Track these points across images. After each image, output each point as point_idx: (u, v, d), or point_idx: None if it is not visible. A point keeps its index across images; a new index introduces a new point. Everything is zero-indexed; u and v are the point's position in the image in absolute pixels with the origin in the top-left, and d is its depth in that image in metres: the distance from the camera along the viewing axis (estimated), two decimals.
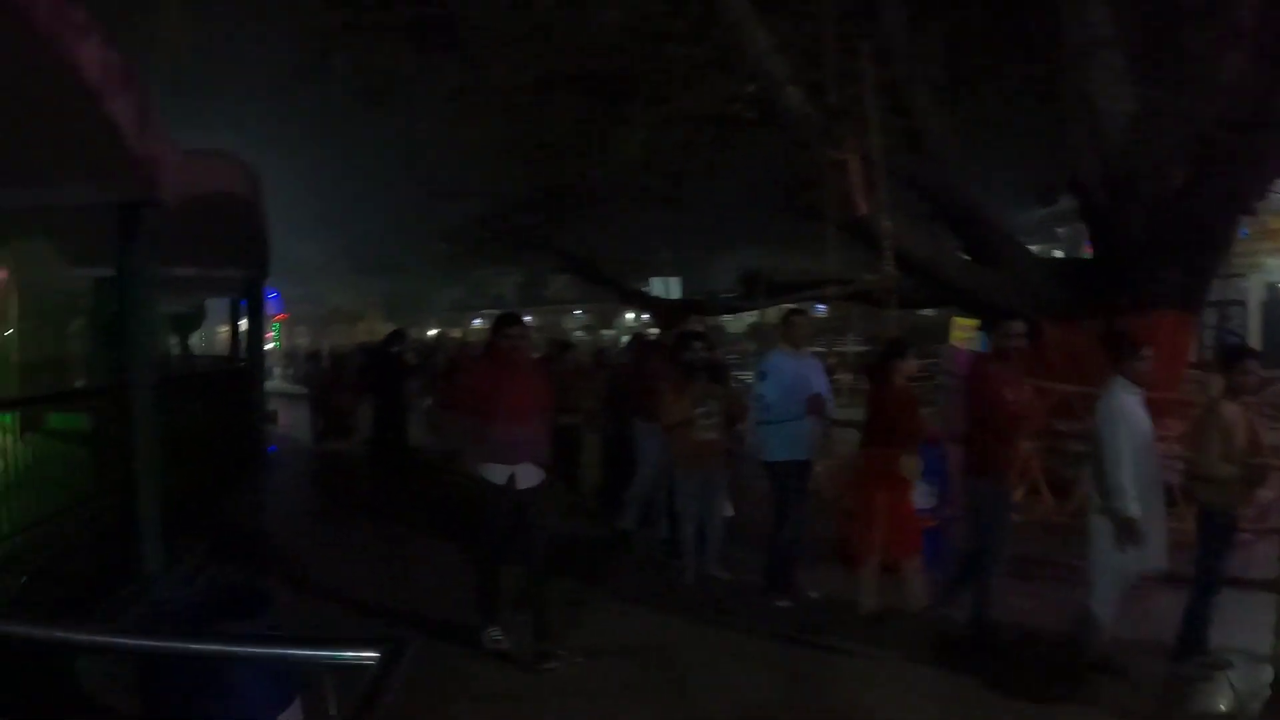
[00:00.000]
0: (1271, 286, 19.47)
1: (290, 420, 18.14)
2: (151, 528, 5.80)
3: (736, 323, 34.79)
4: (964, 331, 8.49)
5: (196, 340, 23.26)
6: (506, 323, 5.33)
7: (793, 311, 6.74)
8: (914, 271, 9.32)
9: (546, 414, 5.36)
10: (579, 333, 42.95)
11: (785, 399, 5.84)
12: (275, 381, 30.85)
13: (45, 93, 4.54)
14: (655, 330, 17.10)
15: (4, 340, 10.56)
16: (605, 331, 41.93)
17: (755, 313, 26.60)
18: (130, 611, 5.31)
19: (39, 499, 5.44)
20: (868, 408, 5.90)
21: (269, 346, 37.85)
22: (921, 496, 6.06)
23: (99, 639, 1.46)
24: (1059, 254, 21.27)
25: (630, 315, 45.03)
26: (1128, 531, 4.46)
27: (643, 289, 24.64)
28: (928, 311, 16.32)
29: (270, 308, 41.87)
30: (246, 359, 12.74)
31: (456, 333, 41.93)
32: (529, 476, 5.12)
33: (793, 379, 5.92)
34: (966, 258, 9.94)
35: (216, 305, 19.72)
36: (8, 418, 7.53)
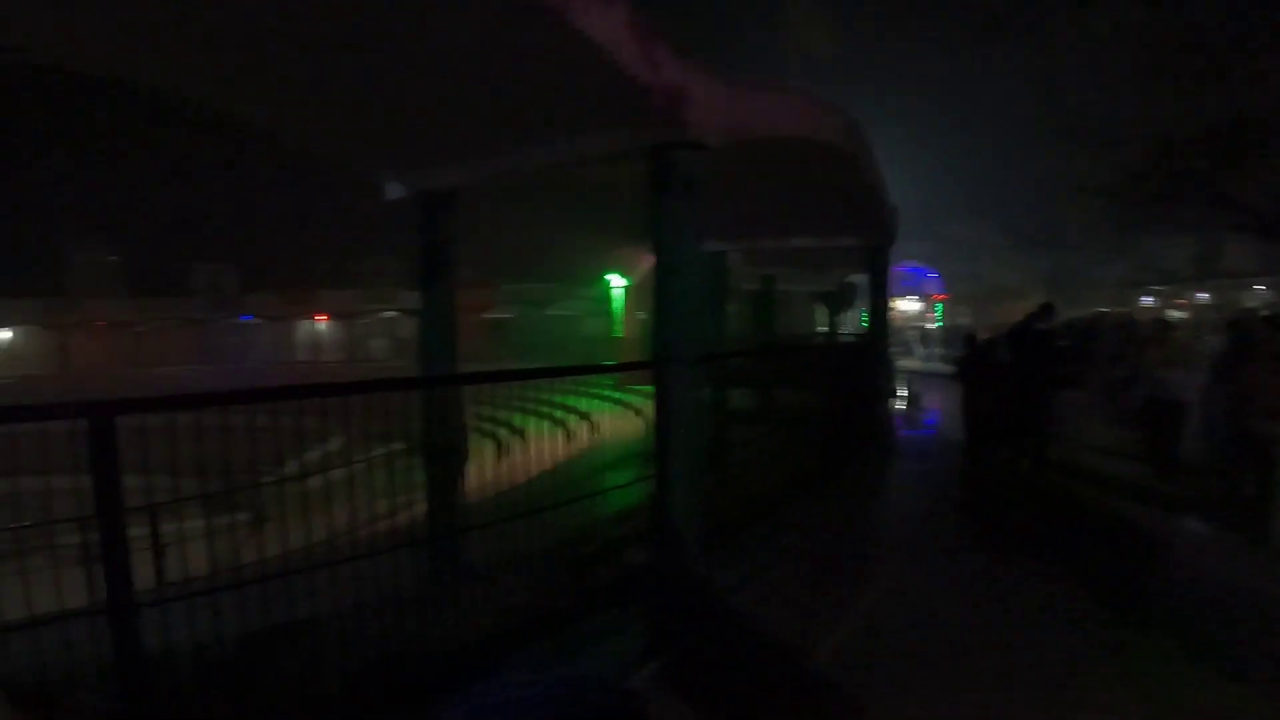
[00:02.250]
0: None
1: (946, 406, 16.63)
2: (678, 527, 4.91)
3: None
4: None
5: (849, 319, 23.26)
6: None
7: None
8: None
9: None
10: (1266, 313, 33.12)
11: None
12: (934, 363, 29.91)
13: (531, 29, 3.86)
14: None
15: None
16: None
17: None
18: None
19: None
20: None
21: (931, 326, 37.35)
22: None
23: None
24: None
25: None
26: None
27: None
28: None
29: (933, 287, 41.52)
30: (868, 336, 11.65)
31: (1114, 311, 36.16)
32: None
33: None
34: None
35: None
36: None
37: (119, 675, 2.56)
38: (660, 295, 5.09)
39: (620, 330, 23.99)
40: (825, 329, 20.72)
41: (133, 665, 2.59)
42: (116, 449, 2.57)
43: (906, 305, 41.00)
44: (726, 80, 5.24)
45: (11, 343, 44.69)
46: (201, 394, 2.75)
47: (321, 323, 48.20)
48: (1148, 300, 42.12)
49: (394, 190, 5.92)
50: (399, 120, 4.95)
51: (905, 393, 16.22)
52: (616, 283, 24.06)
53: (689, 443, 4.99)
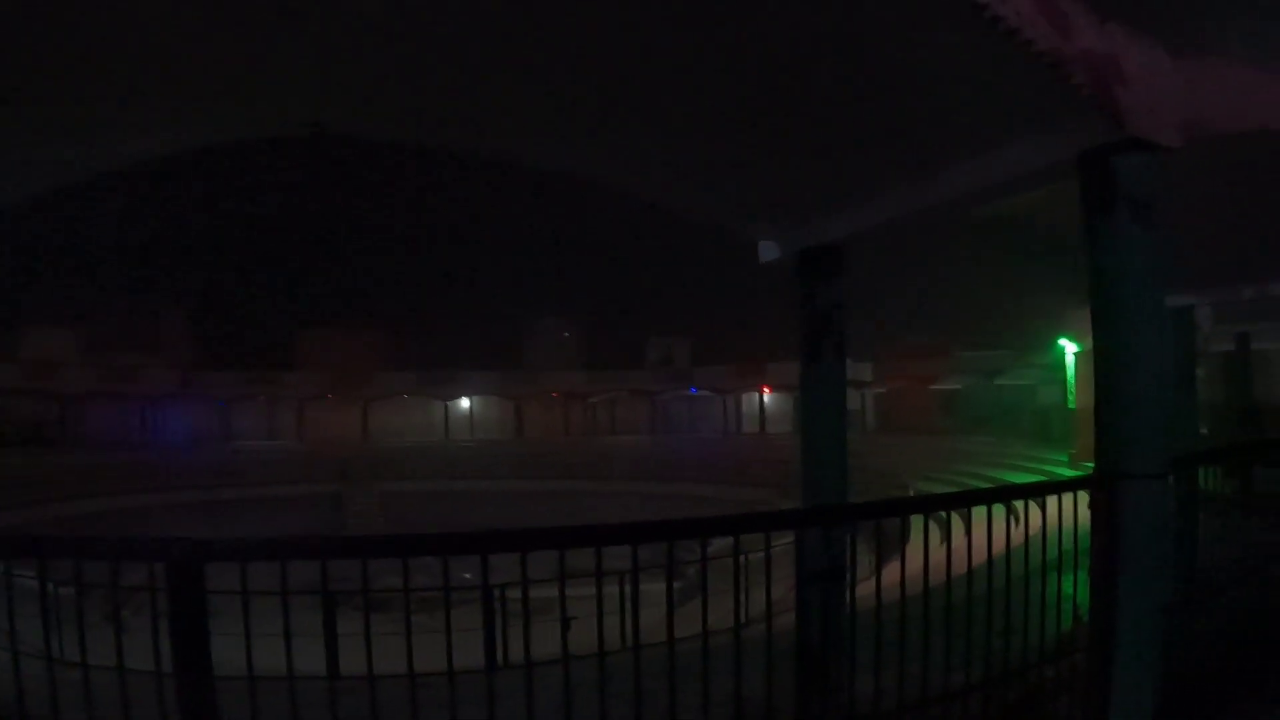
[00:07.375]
0: None
1: None
2: None
3: None
4: None
5: None
6: None
7: None
8: None
9: None
10: None
11: None
12: None
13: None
14: None
15: None
16: None
17: None
18: None
19: None
20: None
21: None
22: None
23: None
24: None
25: None
26: None
27: None
28: None
29: None
30: None
31: None
32: None
33: None
34: None
35: None
36: None
37: None
38: (1104, 376, 3.47)
39: (1074, 401, 22.42)
40: None
41: None
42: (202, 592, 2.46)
43: None
44: (1173, 49, 3.93)
45: (471, 411, 51.35)
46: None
47: (767, 394, 49.71)
48: None
49: (767, 251, 5.15)
50: (767, 164, 4.27)
51: None
52: (1070, 348, 22.39)
53: (1149, 600, 3.34)
